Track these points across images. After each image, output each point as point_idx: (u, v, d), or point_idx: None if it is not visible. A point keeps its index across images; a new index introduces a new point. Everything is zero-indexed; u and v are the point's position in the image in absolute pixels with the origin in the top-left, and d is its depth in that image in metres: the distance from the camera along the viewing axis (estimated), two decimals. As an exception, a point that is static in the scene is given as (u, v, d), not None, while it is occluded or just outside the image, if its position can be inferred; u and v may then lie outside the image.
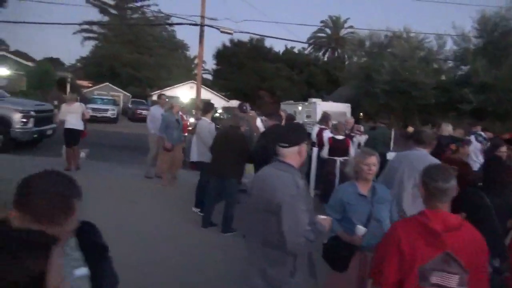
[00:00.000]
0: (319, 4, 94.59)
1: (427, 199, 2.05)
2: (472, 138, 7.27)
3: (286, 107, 22.58)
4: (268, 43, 41.83)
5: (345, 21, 48.31)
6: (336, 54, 46.51)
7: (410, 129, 6.57)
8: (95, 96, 26.50)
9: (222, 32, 19.63)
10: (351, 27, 47.39)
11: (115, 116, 24.43)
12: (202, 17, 19.06)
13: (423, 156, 3.74)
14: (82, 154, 8.79)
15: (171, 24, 21.98)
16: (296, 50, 43.37)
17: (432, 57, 11.16)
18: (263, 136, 5.28)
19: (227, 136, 5.54)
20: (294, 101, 29.06)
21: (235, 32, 20.53)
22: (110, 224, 5.43)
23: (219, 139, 5.65)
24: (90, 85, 38.27)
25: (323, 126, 7.72)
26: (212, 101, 31.86)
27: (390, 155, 6.73)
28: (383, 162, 7.71)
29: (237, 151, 5.40)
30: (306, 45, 46.87)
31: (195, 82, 36.64)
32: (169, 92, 34.11)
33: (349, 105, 22.92)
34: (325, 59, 45.05)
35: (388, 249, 1.98)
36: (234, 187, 5.57)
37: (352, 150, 6.88)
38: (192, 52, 50.36)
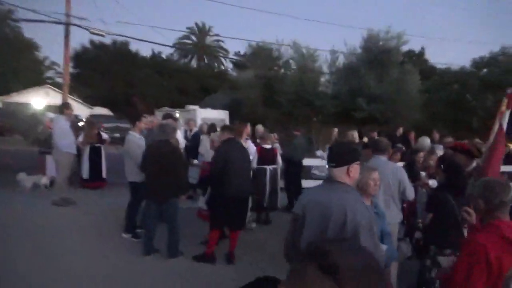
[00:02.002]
0: (186, 10, 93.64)
1: (489, 212, 2.19)
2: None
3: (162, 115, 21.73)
4: (133, 47, 39.66)
5: (209, 29, 49.24)
6: (204, 62, 46.98)
7: (365, 139, 7.08)
8: None
9: (92, 33, 17.89)
10: (217, 35, 48.68)
11: None
12: (68, 15, 17.01)
13: (386, 163, 4.08)
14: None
15: (27, 21, 18.65)
16: (163, 56, 42.27)
17: (328, 69, 12.35)
18: (222, 152, 4.95)
19: (157, 152, 4.97)
20: (171, 108, 28.21)
21: (107, 34, 18.98)
22: (35, 270, 4.41)
23: (149, 157, 5.05)
24: None
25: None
26: (74, 108, 28.55)
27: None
28: (301, 167, 8.14)
29: (173, 168, 4.93)
30: (173, 51, 46.05)
31: (52, 87, 32.48)
32: (19, 98, 29.33)
33: (227, 112, 23.49)
34: (194, 65, 45.05)
35: (475, 266, 2.05)
36: (175, 207, 5.09)
37: (279, 159, 7.07)
38: (43, 52, 44.13)
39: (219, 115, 21.68)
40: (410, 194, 3.99)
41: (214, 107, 26.30)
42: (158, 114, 25.62)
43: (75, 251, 5.04)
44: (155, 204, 5.05)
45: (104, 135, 9.68)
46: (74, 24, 17.27)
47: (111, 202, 7.52)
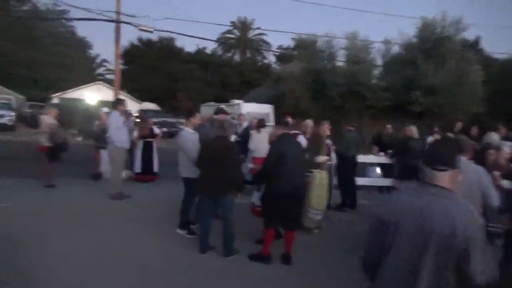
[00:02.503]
0: (227, 5, 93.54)
1: None
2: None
3: (208, 109, 21.93)
4: (179, 42, 40.61)
5: (252, 22, 49.16)
6: (246, 55, 47.09)
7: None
8: (-15, 101, 22.61)
9: (141, 30, 18.39)
10: (258, 28, 48.51)
11: (12, 123, 21.12)
12: (118, 13, 17.56)
13: (468, 165, 3.70)
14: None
15: (80, 19, 19.63)
16: (208, 51, 42.92)
17: (382, 60, 11.76)
18: (276, 147, 4.81)
19: (215, 148, 4.88)
20: (215, 102, 28.49)
21: (155, 30, 19.43)
22: (91, 263, 4.52)
23: (206, 152, 4.98)
24: (-30, 87, 32.57)
25: (296, 131, 7.52)
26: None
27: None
28: (355, 164, 7.83)
29: (230, 165, 4.83)
30: (217, 46, 46.57)
31: (103, 83, 33.89)
32: (73, 94, 30.86)
33: (272, 106, 23.26)
34: (238, 60, 45.28)
35: None
36: (231, 203, 5.01)
37: (333, 155, 6.81)
38: (95, 50, 46.31)
39: (264, 109, 21.50)
40: (495, 199, 3.57)
41: (258, 101, 26.26)
42: (204, 109, 26.00)
43: (131, 245, 5.12)
44: (209, 200, 5.01)
45: (156, 130, 9.88)
46: (124, 22, 17.81)
47: (164, 196, 7.65)
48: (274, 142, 4.92)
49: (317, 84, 12.62)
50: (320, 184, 5.73)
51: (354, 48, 11.53)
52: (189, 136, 5.57)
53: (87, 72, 40.00)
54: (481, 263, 1.83)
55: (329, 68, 12.84)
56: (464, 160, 3.73)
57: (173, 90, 34.44)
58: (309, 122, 8.22)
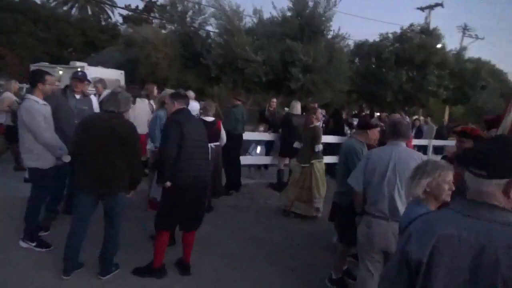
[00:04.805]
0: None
1: None
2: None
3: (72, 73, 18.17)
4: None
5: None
6: (87, 12, 40.97)
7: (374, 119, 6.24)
8: None
9: None
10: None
11: None
12: None
13: (409, 152, 3.31)
14: None
15: None
16: (37, 1, 35.48)
17: (256, 32, 10.92)
18: (176, 126, 3.59)
19: (109, 127, 3.39)
20: (50, 63, 23.88)
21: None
22: None
23: (89, 134, 3.42)
24: None
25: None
26: None
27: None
28: (241, 143, 7.15)
29: (127, 153, 3.44)
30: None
31: None
32: None
33: (122, 72, 20.70)
34: (77, 16, 38.82)
35: None
36: (122, 204, 3.63)
37: (223, 134, 5.91)
38: None
39: (113, 75, 18.95)
40: None
41: (105, 65, 23.09)
42: (34, 69, 21.25)
43: None
44: (91, 201, 3.51)
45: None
46: None
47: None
48: (171, 120, 3.73)
49: (188, 52, 11.26)
50: (320, 173, 5.94)
51: (225, 16, 10.50)
52: (39, 108, 3.84)
53: None
54: None
55: (203, 36, 11.63)
56: (404, 146, 3.34)
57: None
58: (152, 87, 7.05)
